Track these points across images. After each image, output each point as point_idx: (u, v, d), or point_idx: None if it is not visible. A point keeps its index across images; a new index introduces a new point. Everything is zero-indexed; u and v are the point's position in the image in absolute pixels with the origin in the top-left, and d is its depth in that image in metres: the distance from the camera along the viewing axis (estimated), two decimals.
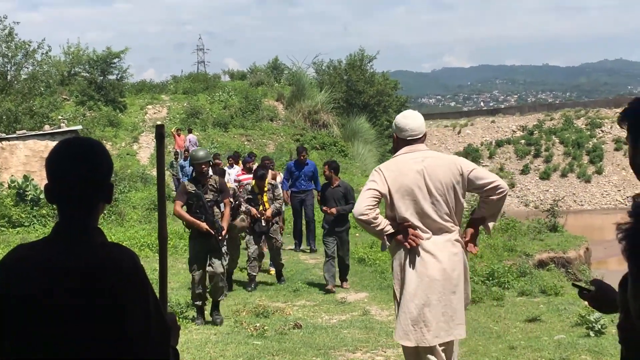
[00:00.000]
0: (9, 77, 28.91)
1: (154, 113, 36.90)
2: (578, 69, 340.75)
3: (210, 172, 10.74)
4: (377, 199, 5.80)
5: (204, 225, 9.79)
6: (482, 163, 54.58)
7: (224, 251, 10.33)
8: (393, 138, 6.34)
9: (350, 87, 42.79)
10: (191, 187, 10.00)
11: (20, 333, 2.75)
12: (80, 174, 2.87)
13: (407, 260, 5.70)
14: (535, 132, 56.19)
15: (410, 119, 6.20)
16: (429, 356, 5.61)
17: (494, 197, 5.69)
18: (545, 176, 53.16)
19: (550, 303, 11.63)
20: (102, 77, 35.60)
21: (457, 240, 5.75)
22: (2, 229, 18.86)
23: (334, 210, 12.47)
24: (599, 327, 9.13)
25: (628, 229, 1.54)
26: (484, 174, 5.77)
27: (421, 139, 6.15)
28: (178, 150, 27.46)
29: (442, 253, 5.69)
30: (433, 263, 5.65)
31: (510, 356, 8.37)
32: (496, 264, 14.87)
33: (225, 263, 10.44)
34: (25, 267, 2.80)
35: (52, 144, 22.37)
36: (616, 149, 52.52)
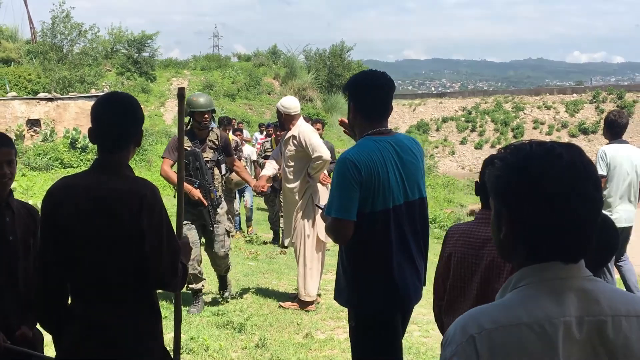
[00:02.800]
0: (64, 50, 28.59)
1: (177, 84, 36.57)
2: (508, 65, 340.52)
3: (213, 125, 7.30)
4: None
5: (196, 192, 6.43)
6: (431, 134, 54.71)
7: (222, 230, 6.82)
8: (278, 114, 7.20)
9: (332, 71, 42.67)
10: (186, 143, 6.48)
11: (63, 242, 2.77)
12: (119, 120, 2.89)
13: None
14: (472, 112, 56.17)
15: (292, 100, 7.16)
16: None
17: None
18: (478, 146, 53.27)
19: None
20: (137, 54, 35.21)
21: None
22: (56, 168, 18.81)
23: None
24: None
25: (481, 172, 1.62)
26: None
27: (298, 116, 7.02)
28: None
29: None
30: None
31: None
32: (438, 211, 14.97)
33: (226, 245, 6.88)
34: (70, 191, 2.83)
35: None
36: (534, 127, 52.72)
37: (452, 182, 21.77)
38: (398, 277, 3.52)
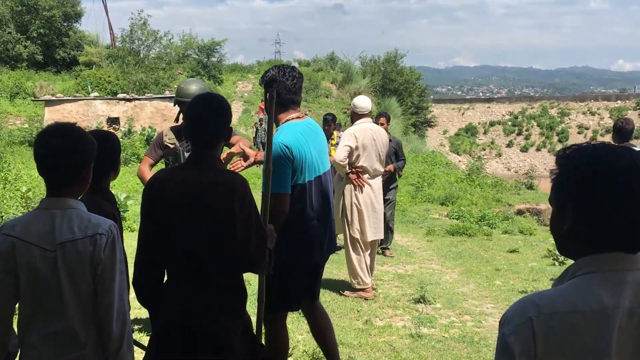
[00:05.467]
0: (141, 55, 29.21)
1: (242, 87, 36.94)
2: (554, 72, 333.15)
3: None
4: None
5: None
6: (478, 137, 54.01)
7: None
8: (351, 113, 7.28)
9: (386, 76, 42.49)
10: (170, 139, 5.16)
11: (161, 229, 2.86)
12: (212, 118, 2.97)
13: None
14: (519, 117, 55.27)
15: (362, 101, 7.14)
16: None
17: None
18: (524, 149, 52.42)
19: (526, 240, 11.55)
20: (207, 59, 35.70)
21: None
22: (133, 162, 19.21)
23: (390, 167, 8.78)
24: (562, 258, 9.05)
25: (552, 170, 1.65)
26: None
27: (367, 115, 7.07)
28: (262, 116, 26.57)
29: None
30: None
31: (496, 275, 8.36)
32: (487, 210, 14.77)
33: None
34: (168, 184, 2.91)
35: (170, 104, 22.65)
36: (579, 132, 51.65)
37: (500, 182, 21.42)
38: (315, 233, 3.98)
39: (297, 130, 3.90)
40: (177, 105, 5.22)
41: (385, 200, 8.39)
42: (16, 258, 2.27)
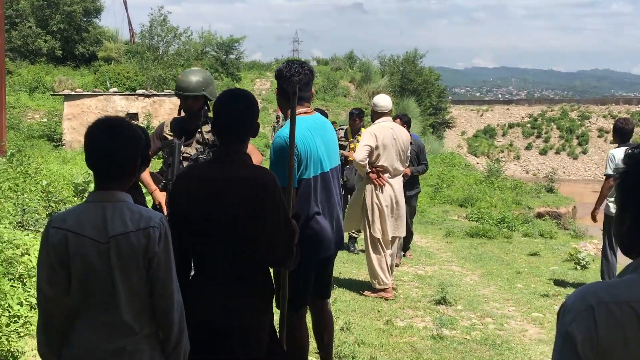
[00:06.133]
0: (160, 51, 29.33)
1: (260, 85, 36.99)
2: (575, 75, 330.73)
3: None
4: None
5: (159, 196, 4.58)
6: (497, 139, 53.72)
7: None
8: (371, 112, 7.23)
9: (404, 76, 42.43)
10: (168, 131, 4.75)
11: (190, 225, 2.86)
12: (240, 114, 2.97)
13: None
14: (538, 119, 54.89)
15: (382, 99, 7.12)
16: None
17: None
18: (543, 152, 52.07)
19: (546, 243, 11.49)
20: (225, 56, 35.79)
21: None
22: (152, 158, 19.28)
23: (407, 170, 7.87)
24: (584, 263, 8.99)
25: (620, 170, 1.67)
26: None
27: (388, 114, 7.03)
28: (279, 114, 26.49)
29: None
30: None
31: (517, 278, 8.32)
32: (506, 212, 14.70)
33: None
34: (198, 178, 2.91)
35: None
36: (599, 136, 51.24)
37: (520, 185, 21.31)
38: (321, 229, 3.98)
39: (303, 125, 3.89)
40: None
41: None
42: (69, 251, 2.29)
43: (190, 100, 4.59)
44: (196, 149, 4.63)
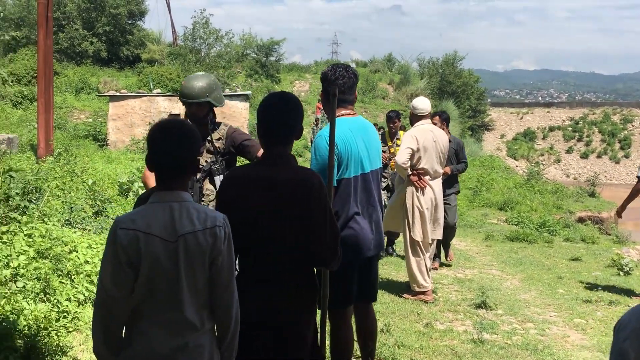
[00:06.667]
0: (202, 53, 29.67)
1: (300, 87, 37.19)
2: (617, 77, 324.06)
3: (225, 127, 4.44)
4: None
5: None
6: (537, 142, 52.98)
7: None
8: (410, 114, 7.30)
9: (444, 78, 42.24)
10: None
11: (238, 226, 2.89)
12: (287, 117, 3.00)
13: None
14: (580, 122, 53.98)
15: (421, 102, 7.10)
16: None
17: None
18: (584, 156, 51.18)
19: (588, 248, 11.28)
20: (265, 58, 36.04)
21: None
22: None
23: (447, 169, 7.94)
24: (628, 269, 8.81)
25: None
26: None
27: (427, 116, 7.05)
28: (318, 116, 26.43)
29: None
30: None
31: (559, 283, 8.20)
32: (547, 217, 14.49)
33: None
34: (245, 180, 2.95)
35: (230, 102, 22.85)
36: None
37: (561, 189, 20.98)
38: (360, 228, 3.98)
39: (345, 126, 3.99)
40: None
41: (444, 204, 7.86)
42: (140, 250, 2.34)
43: (194, 107, 4.29)
44: (206, 160, 4.29)
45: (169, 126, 2.48)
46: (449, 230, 8.57)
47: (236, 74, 33.69)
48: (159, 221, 2.37)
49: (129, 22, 34.11)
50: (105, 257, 2.40)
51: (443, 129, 7.82)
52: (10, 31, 24.79)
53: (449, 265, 9.00)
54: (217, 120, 4.43)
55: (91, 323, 2.60)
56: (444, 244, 8.83)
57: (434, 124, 7.88)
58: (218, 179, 4.27)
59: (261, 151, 3.84)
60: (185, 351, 2.40)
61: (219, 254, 2.43)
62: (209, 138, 4.30)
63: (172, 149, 2.42)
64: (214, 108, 4.38)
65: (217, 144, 4.32)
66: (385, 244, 9.20)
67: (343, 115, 4.09)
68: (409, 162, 6.78)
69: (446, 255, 9.09)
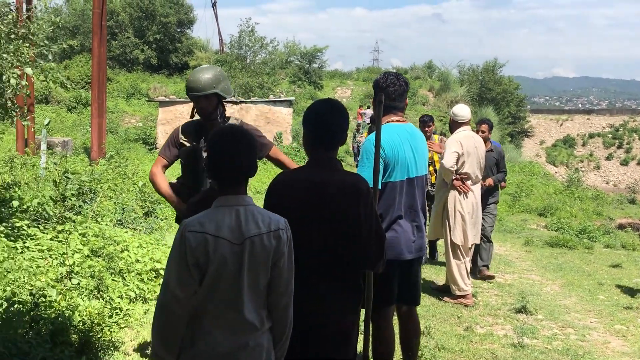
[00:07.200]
0: (248, 60, 29.95)
1: (341, 93, 37.25)
2: None
3: (234, 120, 4.24)
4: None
5: (182, 206, 4.00)
6: (577, 149, 52.02)
7: None
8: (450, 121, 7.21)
9: (483, 85, 41.80)
10: (184, 138, 4.15)
11: (290, 224, 2.89)
12: (337, 122, 3.02)
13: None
14: (620, 129, 52.85)
15: (462, 109, 7.03)
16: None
17: None
18: (624, 163, 50.05)
19: (629, 255, 11.00)
20: (308, 65, 36.22)
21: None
22: None
23: (490, 181, 7.85)
24: None
25: None
26: None
27: (467, 123, 6.98)
28: (360, 121, 26.38)
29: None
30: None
31: (599, 289, 8.02)
32: (587, 223, 14.20)
33: None
34: (294, 184, 2.96)
35: (274, 108, 23.06)
36: None
37: (601, 195, 20.55)
38: (403, 231, 3.99)
39: (393, 131, 4.04)
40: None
41: (484, 212, 7.75)
42: (208, 253, 2.37)
43: (202, 100, 4.01)
44: None
45: (232, 133, 2.51)
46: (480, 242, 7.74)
47: (280, 81, 33.90)
48: (226, 224, 2.41)
49: (178, 30, 34.65)
50: (173, 259, 2.42)
51: (488, 137, 7.92)
52: (67, 39, 25.38)
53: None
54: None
55: (149, 325, 2.63)
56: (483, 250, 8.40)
57: (482, 132, 7.94)
58: None
59: (273, 150, 4.15)
60: (246, 350, 2.43)
61: (281, 256, 2.46)
62: None
63: (236, 155, 2.47)
64: (223, 106, 4.14)
65: None
66: (428, 250, 9.07)
67: (393, 121, 4.13)
68: (456, 166, 6.79)
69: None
